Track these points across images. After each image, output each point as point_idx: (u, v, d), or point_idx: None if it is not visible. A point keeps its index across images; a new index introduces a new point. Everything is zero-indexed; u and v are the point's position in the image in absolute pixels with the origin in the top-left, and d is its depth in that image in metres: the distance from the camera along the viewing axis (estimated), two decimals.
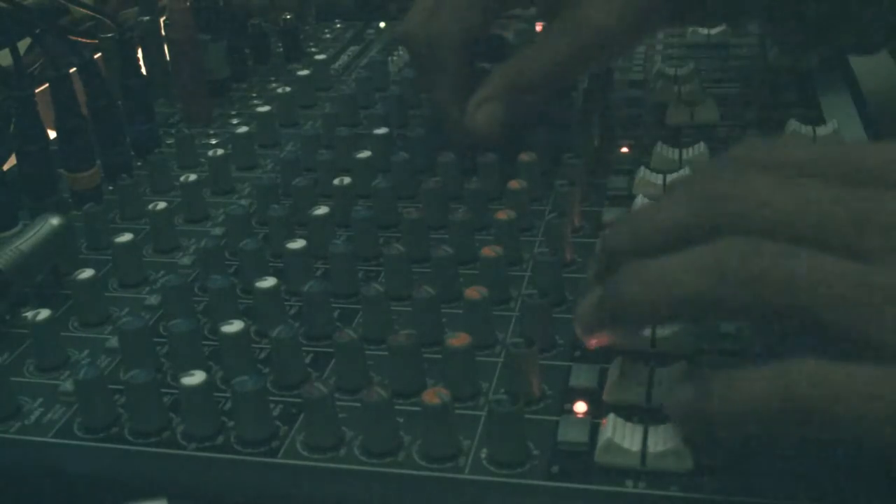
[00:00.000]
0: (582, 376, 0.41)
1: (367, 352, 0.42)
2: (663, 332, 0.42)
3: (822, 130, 0.59)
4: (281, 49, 0.80)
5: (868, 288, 0.31)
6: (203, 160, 0.63)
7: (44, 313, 0.45)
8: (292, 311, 0.47)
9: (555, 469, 0.37)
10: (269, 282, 0.46)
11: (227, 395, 0.41)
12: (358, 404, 0.39)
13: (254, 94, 0.74)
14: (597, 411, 0.39)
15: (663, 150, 0.58)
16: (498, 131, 0.56)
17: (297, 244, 0.48)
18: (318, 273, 0.50)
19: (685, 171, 0.55)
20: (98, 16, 0.76)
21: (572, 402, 0.40)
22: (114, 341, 0.45)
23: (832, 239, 0.32)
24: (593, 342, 0.39)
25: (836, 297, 0.31)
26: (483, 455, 0.38)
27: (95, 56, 0.68)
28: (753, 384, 0.31)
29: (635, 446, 0.36)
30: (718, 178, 0.35)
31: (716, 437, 0.33)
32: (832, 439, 0.31)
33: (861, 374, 0.30)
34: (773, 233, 0.33)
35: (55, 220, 0.50)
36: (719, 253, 0.33)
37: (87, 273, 0.48)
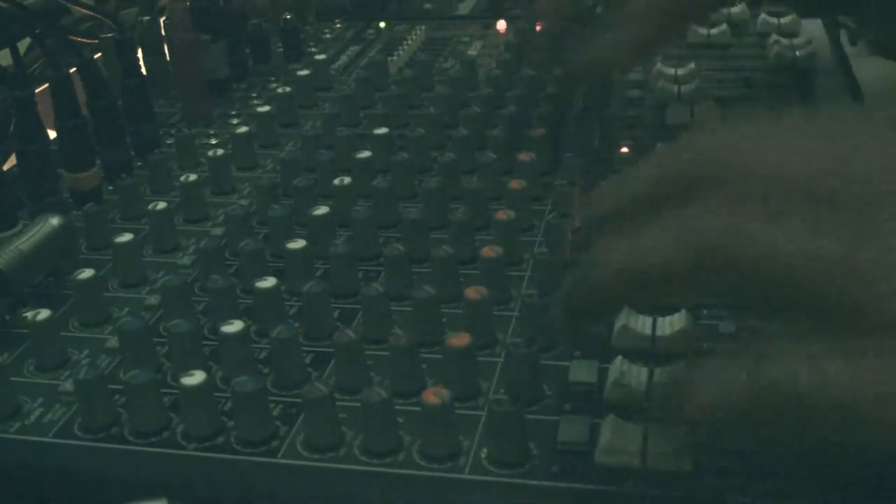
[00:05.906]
0: (581, 373, 0.41)
1: (367, 352, 0.43)
2: (663, 331, 0.42)
3: None
4: (281, 49, 0.80)
5: (858, 258, 0.28)
6: (203, 160, 0.63)
7: (44, 313, 0.45)
8: (292, 311, 0.47)
9: (555, 469, 0.37)
10: (269, 282, 0.46)
11: (227, 395, 0.41)
12: (358, 404, 0.39)
13: (254, 94, 0.74)
14: (597, 411, 0.39)
15: None
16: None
17: (297, 244, 0.48)
18: (318, 273, 0.50)
19: None
20: (98, 16, 0.76)
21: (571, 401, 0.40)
22: (114, 341, 0.45)
23: (820, 189, 0.30)
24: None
25: (825, 270, 0.28)
26: (483, 455, 0.38)
27: (95, 56, 0.68)
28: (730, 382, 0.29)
29: (635, 446, 0.36)
30: (697, 132, 0.33)
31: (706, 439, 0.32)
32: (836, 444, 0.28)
33: (865, 364, 0.27)
34: (755, 183, 0.30)
35: (55, 220, 0.50)
36: (696, 222, 0.30)
37: (87, 273, 0.48)
